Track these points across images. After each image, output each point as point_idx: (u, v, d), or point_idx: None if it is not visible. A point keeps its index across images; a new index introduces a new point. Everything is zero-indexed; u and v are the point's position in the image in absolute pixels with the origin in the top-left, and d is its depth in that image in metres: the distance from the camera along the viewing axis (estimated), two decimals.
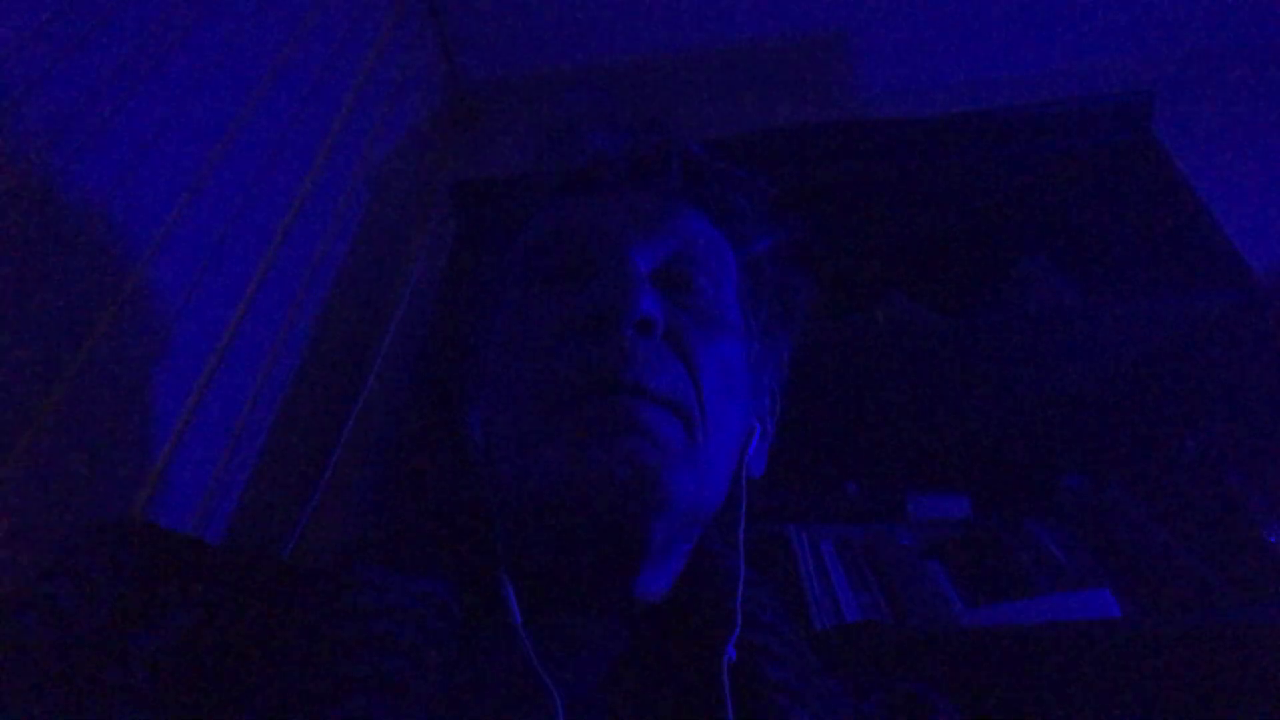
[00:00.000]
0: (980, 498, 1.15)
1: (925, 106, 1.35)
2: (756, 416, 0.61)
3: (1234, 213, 1.09)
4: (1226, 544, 0.91)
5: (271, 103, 1.06)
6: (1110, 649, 0.72)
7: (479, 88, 1.80)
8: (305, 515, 1.01)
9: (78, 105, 0.76)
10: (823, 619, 0.94)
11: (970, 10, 1.61)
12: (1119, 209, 1.22)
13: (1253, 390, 0.99)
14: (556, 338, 0.52)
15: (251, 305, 0.96)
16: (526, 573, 0.50)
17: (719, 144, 0.69)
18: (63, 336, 0.70)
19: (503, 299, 0.60)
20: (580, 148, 0.63)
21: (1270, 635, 0.71)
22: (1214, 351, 1.01)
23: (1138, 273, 1.16)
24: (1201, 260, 1.05)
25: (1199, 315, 0.99)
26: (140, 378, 0.78)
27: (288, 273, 1.06)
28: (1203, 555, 0.91)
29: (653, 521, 0.49)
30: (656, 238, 0.56)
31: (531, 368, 0.52)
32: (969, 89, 1.63)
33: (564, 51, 1.72)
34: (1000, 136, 1.21)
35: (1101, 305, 1.07)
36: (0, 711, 0.37)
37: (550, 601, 0.50)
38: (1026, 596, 0.92)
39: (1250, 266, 1.00)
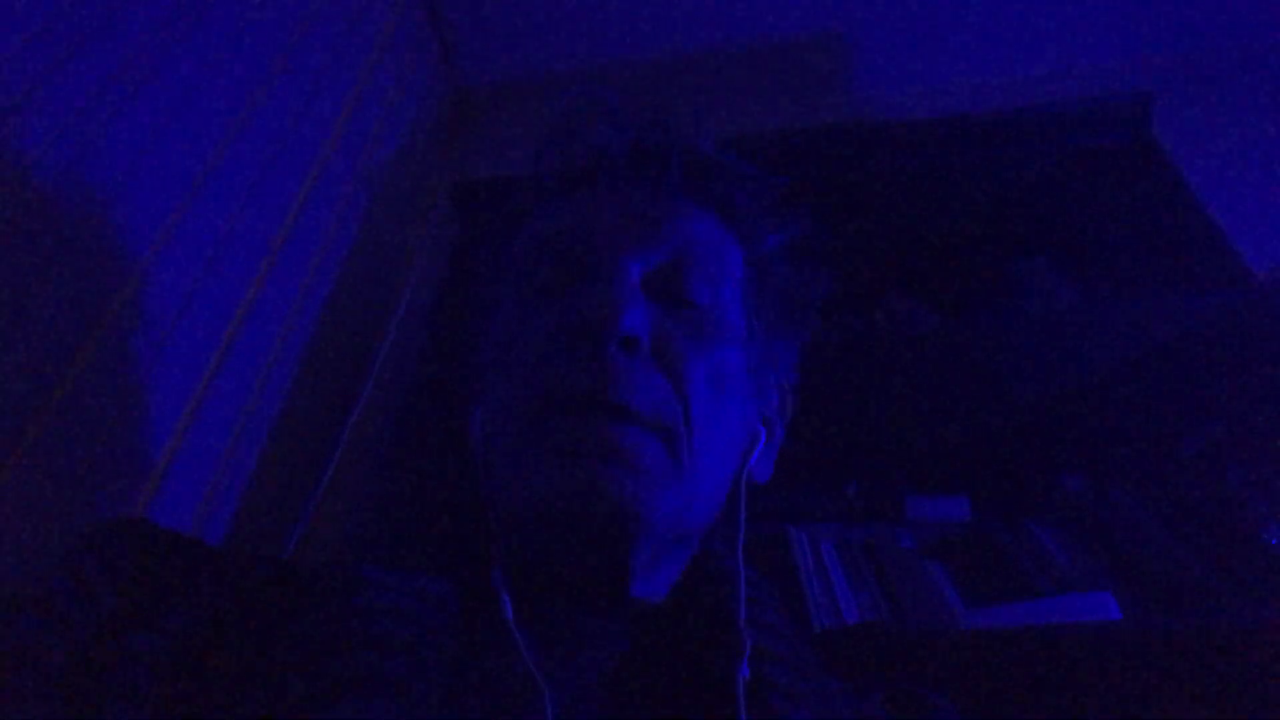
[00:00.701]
0: (980, 499, 1.16)
1: (924, 108, 1.36)
2: (762, 419, 0.60)
3: (1232, 213, 1.09)
4: (1227, 545, 0.91)
5: (271, 104, 1.06)
6: (1110, 651, 0.72)
7: (479, 89, 1.80)
8: (306, 515, 1.01)
9: (79, 106, 0.76)
10: (822, 620, 0.94)
11: (968, 13, 1.61)
12: (1118, 210, 1.22)
13: (1252, 391, 0.99)
14: (543, 351, 0.52)
15: (252, 306, 0.96)
16: (522, 572, 0.50)
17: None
18: (64, 337, 0.70)
19: (500, 303, 0.60)
20: (580, 145, 0.62)
21: (1271, 637, 0.71)
22: (1213, 352, 1.01)
23: (1137, 274, 1.16)
24: (1200, 261, 1.05)
25: (1198, 316, 0.99)
26: (141, 378, 0.78)
27: (288, 273, 1.06)
28: (1203, 556, 0.91)
29: (633, 545, 0.49)
30: (652, 243, 0.56)
31: (519, 380, 0.52)
32: (968, 91, 1.63)
33: (563, 53, 1.72)
34: (999, 138, 1.21)
35: (1101, 306, 1.07)
36: (1, 713, 0.37)
37: (548, 601, 0.50)
38: (1026, 598, 0.92)
39: (1249, 267, 1.00)
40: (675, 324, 0.53)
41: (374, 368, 1.23)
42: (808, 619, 0.93)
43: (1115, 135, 1.19)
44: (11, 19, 0.70)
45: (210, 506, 0.86)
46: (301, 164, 1.12)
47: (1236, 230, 1.05)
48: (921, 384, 1.08)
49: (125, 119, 0.81)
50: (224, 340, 0.91)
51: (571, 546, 0.49)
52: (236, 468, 0.92)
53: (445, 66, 1.75)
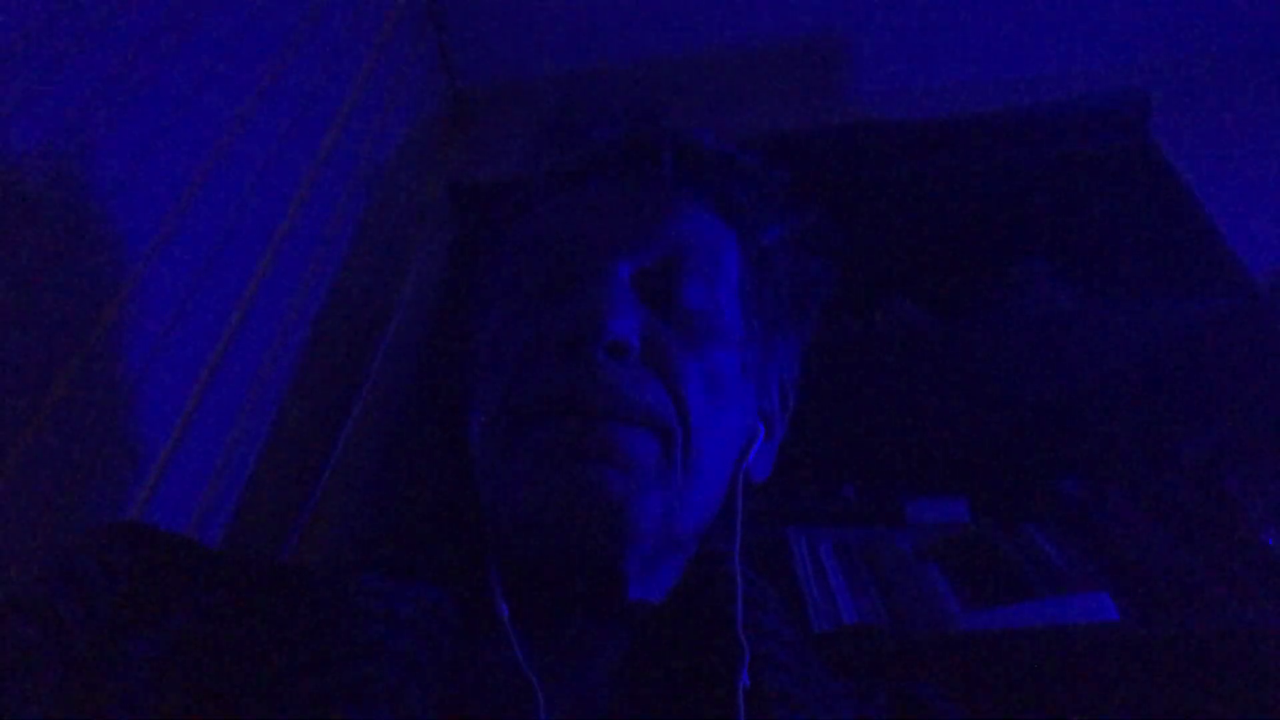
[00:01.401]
0: (978, 501, 1.15)
1: (922, 109, 1.35)
2: (761, 417, 0.59)
3: (1231, 216, 1.09)
4: (1224, 547, 0.91)
5: (270, 105, 1.06)
6: (1108, 653, 0.72)
7: (477, 91, 1.80)
8: (303, 517, 1.01)
9: (76, 108, 0.75)
10: (821, 622, 0.94)
11: (966, 13, 1.61)
12: (1116, 212, 1.22)
13: (1251, 394, 0.99)
14: (531, 355, 0.51)
15: (250, 307, 0.96)
16: (518, 578, 0.50)
17: None
18: (61, 338, 0.70)
19: (493, 305, 0.59)
20: (573, 142, 0.62)
21: (1268, 639, 0.71)
22: (1212, 355, 1.01)
23: (1135, 276, 1.16)
24: (1199, 264, 1.05)
25: (1196, 319, 0.99)
26: (138, 380, 0.78)
27: (286, 275, 1.05)
28: (1201, 559, 0.91)
29: (621, 549, 0.49)
30: (644, 242, 0.55)
31: (506, 385, 0.51)
32: (965, 92, 1.63)
33: (561, 54, 1.72)
34: (997, 139, 1.22)
35: (1099, 308, 1.07)
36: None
37: (544, 606, 0.50)
38: (1024, 600, 0.92)
39: (1248, 270, 1.00)
40: (668, 326, 0.53)
41: (372, 370, 1.23)
42: (806, 621, 0.93)
43: (1114, 137, 1.19)
44: (8, 19, 0.70)
45: (207, 509, 0.86)
46: (299, 165, 1.12)
47: (1235, 233, 1.05)
48: (920, 386, 1.08)
49: (122, 121, 0.81)
50: (221, 342, 0.91)
51: (562, 551, 0.49)
52: (234, 470, 0.92)
53: (443, 68, 1.75)
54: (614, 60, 1.71)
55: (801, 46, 1.68)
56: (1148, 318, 1.00)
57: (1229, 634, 0.72)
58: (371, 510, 0.99)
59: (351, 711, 0.38)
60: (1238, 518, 0.92)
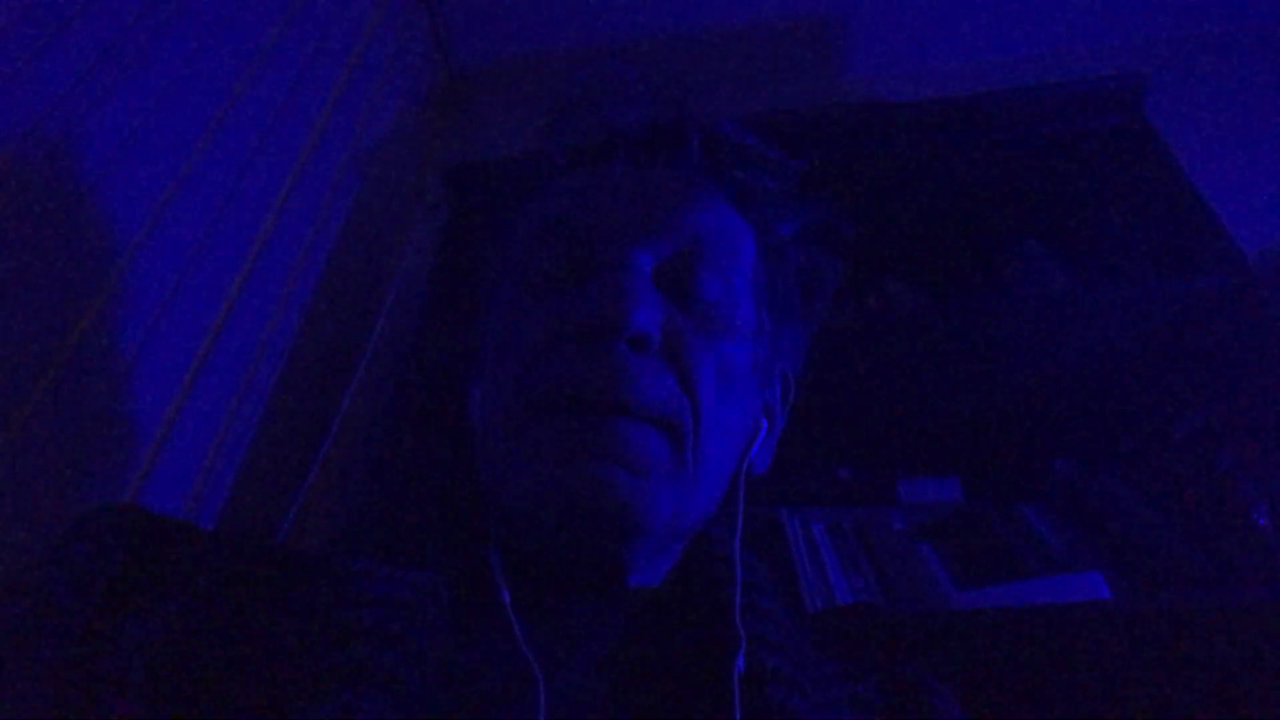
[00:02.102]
0: (971, 481, 1.16)
1: (917, 90, 1.35)
2: (764, 409, 0.59)
3: (1226, 197, 1.09)
4: (1216, 526, 0.92)
5: (260, 86, 1.05)
6: (1100, 631, 0.72)
7: (470, 70, 1.79)
8: (297, 502, 1.01)
9: (63, 91, 0.75)
10: (814, 602, 0.94)
11: None
12: (1111, 193, 1.22)
13: (1243, 374, 0.99)
14: (547, 342, 0.51)
15: (241, 291, 0.96)
16: (517, 558, 0.50)
17: None
18: (52, 325, 0.70)
19: (503, 283, 0.58)
20: (593, 120, 0.60)
21: (1258, 616, 0.72)
22: (1204, 335, 1.01)
23: (1130, 257, 1.16)
24: (1193, 244, 1.05)
25: (1190, 299, 0.99)
26: (130, 366, 0.78)
27: (278, 259, 1.05)
28: (1192, 537, 0.92)
29: (626, 545, 0.48)
30: (664, 233, 0.54)
31: (520, 371, 0.51)
32: (960, 73, 1.63)
33: (555, 32, 1.71)
34: (992, 120, 1.21)
35: (1093, 289, 1.07)
36: None
37: (543, 589, 0.50)
38: (1017, 579, 0.92)
39: (1242, 250, 1.00)
40: (685, 318, 0.52)
41: (366, 352, 1.23)
42: (800, 602, 0.94)
43: (1108, 117, 1.19)
44: None
45: (201, 493, 0.86)
46: (291, 147, 1.12)
47: (1229, 213, 1.05)
48: (914, 367, 1.08)
49: (111, 103, 0.80)
50: (214, 325, 0.90)
51: (570, 543, 0.49)
52: (228, 454, 0.92)
53: (436, 48, 1.74)
54: (608, 39, 1.70)
55: (797, 26, 1.67)
56: (1141, 298, 1.00)
57: (1221, 612, 0.72)
58: (365, 495, 0.99)
59: (347, 694, 0.38)
60: (1229, 497, 0.93)
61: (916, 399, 1.13)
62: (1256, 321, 0.96)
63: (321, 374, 1.14)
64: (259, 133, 1.03)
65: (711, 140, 0.60)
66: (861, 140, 1.22)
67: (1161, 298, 1.00)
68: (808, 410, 0.66)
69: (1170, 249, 1.10)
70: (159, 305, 0.82)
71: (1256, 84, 1.50)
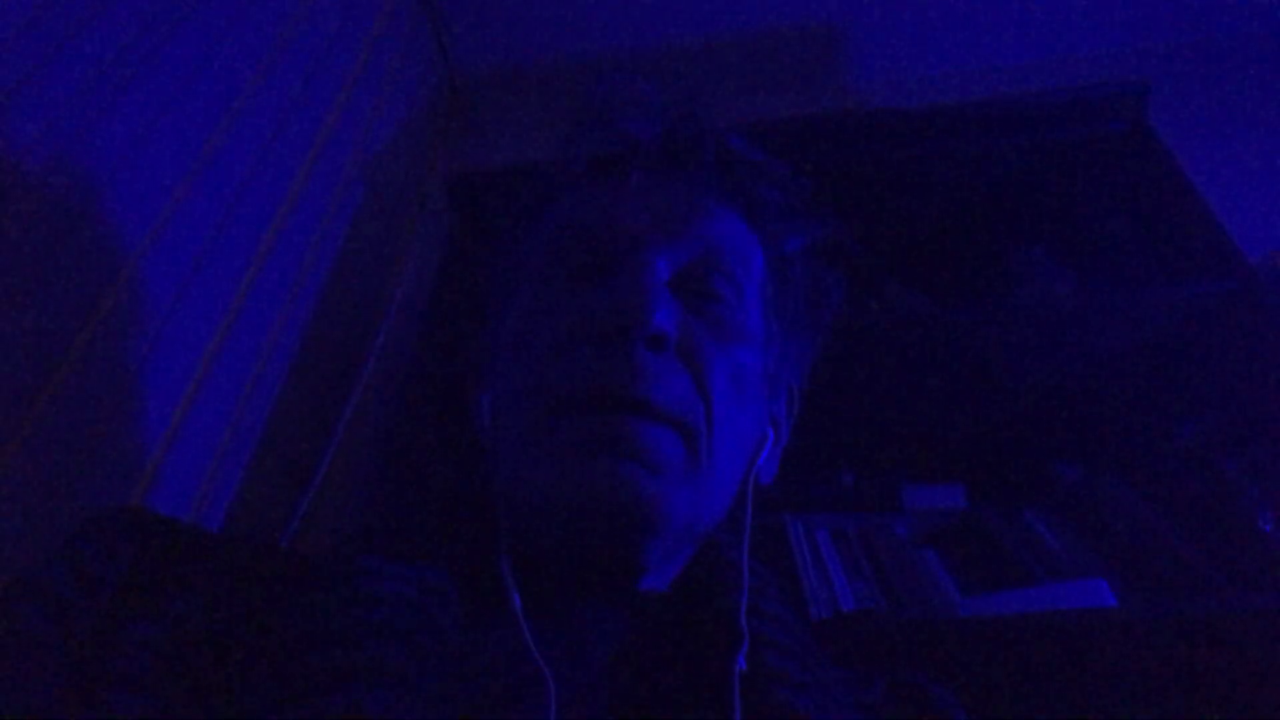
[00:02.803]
0: (975, 487, 1.16)
1: (920, 97, 1.35)
2: (771, 421, 0.60)
3: (1229, 202, 1.09)
4: (1221, 532, 0.91)
5: (265, 95, 1.06)
6: (1105, 638, 0.72)
7: (473, 78, 1.80)
8: (302, 506, 1.01)
9: (70, 98, 0.75)
10: (819, 609, 0.94)
11: (963, 0, 1.61)
12: (1114, 199, 1.22)
13: (1247, 379, 0.99)
14: (567, 343, 0.51)
15: (247, 296, 0.96)
16: (527, 560, 0.50)
17: None
18: (59, 328, 0.70)
19: (521, 286, 0.59)
20: (612, 132, 0.61)
21: (1264, 623, 0.71)
22: (1208, 341, 1.01)
23: (1133, 263, 1.16)
24: (1196, 249, 1.05)
25: (1194, 305, 0.99)
26: (137, 369, 0.78)
27: (283, 263, 1.05)
28: (1197, 544, 0.92)
29: (644, 544, 0.49)
30: (681, 241, 0.55)
31: (539, 370, 0.51)
32: (963, 79, 1.63)
33: (558, 42, 1.71)
34: (995, 127, 1.21)
35: (1097, 295, 1.08)
36: (2, 701, 0.37)
37: (551, 589, 0.50)
38: (1022, 586, 0.92)
39: (1245, 255, 1.00)
40: (699, 323, 0.53)
41: (370, 357, 1.23)
42: (804, 609, 0.94)
43: (1111, 123, 1.19)
44: (3, 7, 0.70)
45: (207, 496, 0.86)
46: (296, 154, 1.12)
47: (1232, 218, 1.05)
48: (917, 373, 1.08)
49: (117, 111, 0.80)
50: (219, 330, 0.91)
51: (585, 542, 0.49)
52: (233, 458, 0.92)
53: (440, 56, 1.74)
54: (612, 49, 1.70)
55: (800, 34, 1.67)
56: (1145, 304, 1.00)
57: (1226, 619, 0.72)
58: (370, 498, 0.99)
59: (356, 690, 0.38)
60: (1234, 503, 0.93)
61: (920, 405, 1.13)
62: (1260, 327, 0.96)
63: (326, 379, 1.14)
64: (263, 141, 1.04)
65: (724, 154, 0.61)
66: (865, 147, 1.23)
67: (1165, 303, 1.00)
68: (812, 416, 0.66)
69: (1173, 254, 1.10)
70: (165, 310, 0.83)
71: (1258, 89, 1.50)
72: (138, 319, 0.79)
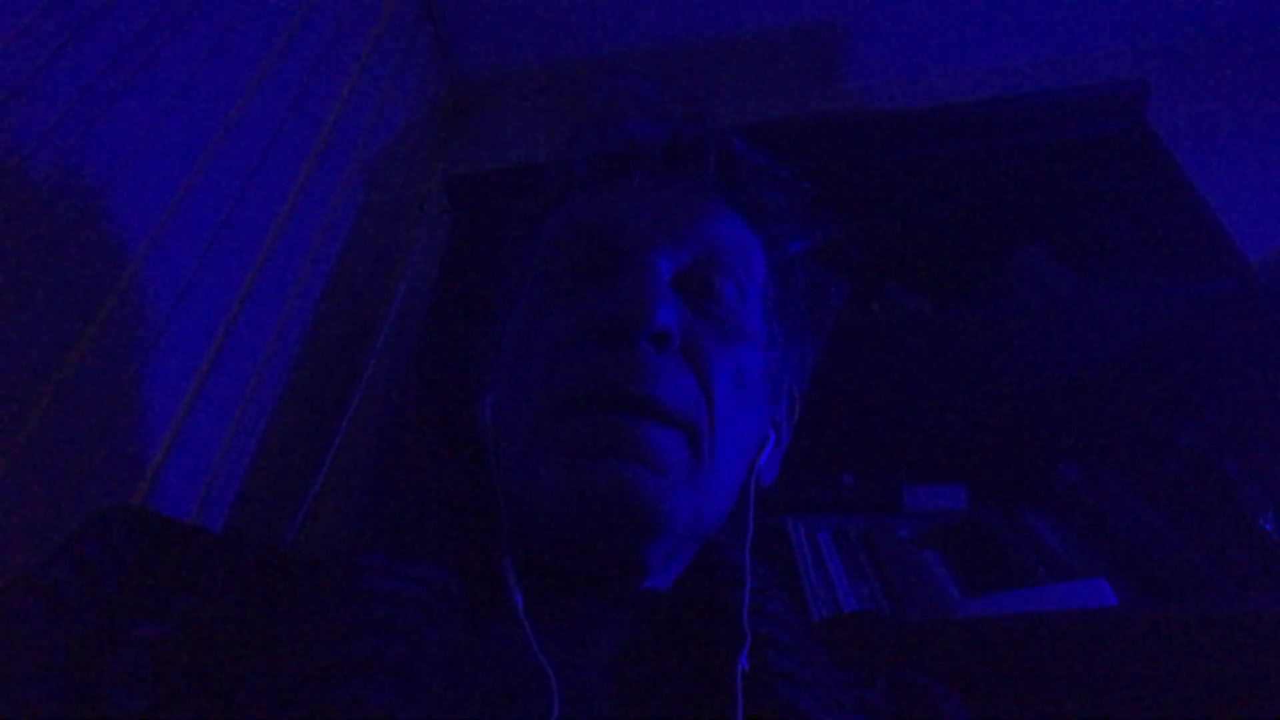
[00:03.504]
0: (976, 488, 1.16)
1: (919, 97, 1.35)
2: (772, 423, 0.60)
3: (1229, 201, 1.09)
4: (1222, 532, 0.91)
5: (266, 96, 1.06)
6: (1106, 638, 0.72)
7: (474, 80, 1.80)
8: (304, 506, 1.01)
9: (71, 101, 0.75)
10: (820, 609, 0.94)
11: (961, 0, 1.61)
12: (1114, 198, 1.22)
13: (1248, 379, 0.99)
14: (571, 341, 0.52)
15: (248, 297, 0.96)
16: (530, 560, 0.50)
17: None
18: (60, 329, 0.70)
19: (523, 286, 0.60)
20: (616, 134, 0.62)
21: (1265, 623, 0.71)
22: (1209, 341, 1.01)
23: (1133, 263, 1.16)
24: (1197, 249, 1.05)
25: (1194, 304, 0.99)
26: (138, 370, 0.78)
27: (284, 264, 1.05)
28: (1198, 544, 0.92)
29: (648, 544, 0.49)
30: (683, 241, 0.55)
31: (543, 369, 0.52)
32: (962, 79, 1.63)
33: (558, 43, 1.72)
34: (994, 126, 1.21)
35: (1097, 295, 1.07)
36: (3, 699, 0.37)
37: (553, 587, 0.50)
38: (1023, 586, 0.92)
39: (1245, 255, 1.00)
40: (702, 323, 0.54)
41: (370, 359, 1.23)
42: (806, 610, 0.94)
43: (1111, 123, 1.19)
44: (4, 10, 0.70)
45: (208, 498, 0.86)
46: (296, 156, 1.12)
47: (1232, 218, 1.05)
48: (918, 374, 1.08)
49: (119, 112, 0.80)
50: (220, 332, 0.91)
51: (589, 542, 0.49)
52: (234, 460, 0.92)
53: (440, 58, 1.74)
54: (611, 49, 1.71)
55: (799, 34, 1.67)
56: (1145, 303, 1.00)
57: (1227, 619, 0.72)
58: (372, 497, 0.99)
59: (358, 684, 0.38)
60: (1235, 503, 0.92)
61: (921, 406, 1.13)
62: (1261, 326, 0.96)
63: (327, 380, 1.15)
64: (264, 143, 1.04)
65: (726, 157, 0.62)
66: (864, 147, 1.22)
67: (1165, 303, 1.00)
68: (813, 417, 0.66)
69: (1173, 254, 1.10)
70: (167, 311, 0.83)
71: (1258, 88, 1.50)
72: (139, 320, 0.79)
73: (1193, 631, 0.71)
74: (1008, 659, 0.73)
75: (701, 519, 0.51)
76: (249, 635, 0.42)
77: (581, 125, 0.65)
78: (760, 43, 1.69)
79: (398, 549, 0.48)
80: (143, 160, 0.82)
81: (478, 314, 0.66)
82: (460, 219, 1.29)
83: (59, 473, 0.68)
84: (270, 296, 1.01)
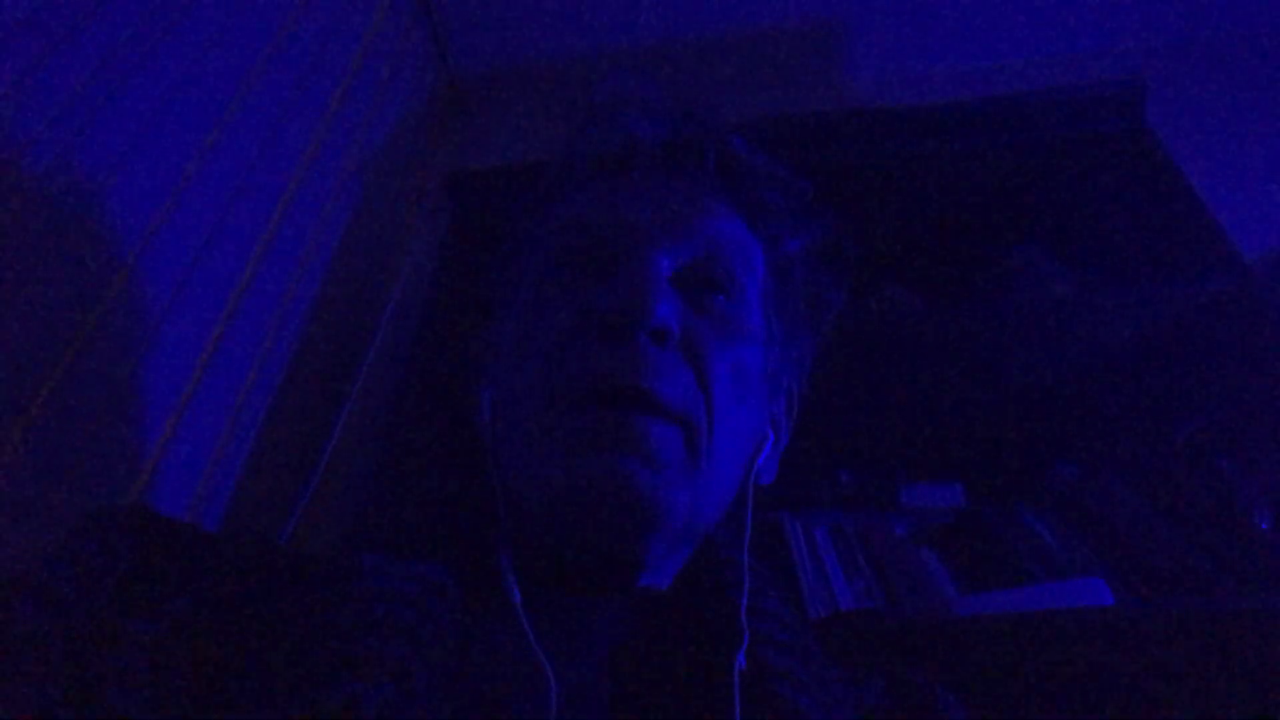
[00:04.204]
0: (973, 485, 1.16)
1: (919, 96, 1.35)
2: (771, 421, 0.60)
3: (1226, 201, 1.09)
4: (1218, 531, 0.91)
5: (262, 93, 1.05)
6: (1103, 636, 0.72)
7: (471, 77, 1.79)
8: (301, 504, 1.01)
9: (68, 95, 0.75)
10: (817, 607, 0.94)
11: None
12: (1112, 197, 1.22)
13: (1244, 377, 0.99)
14: (570, 337, 0.52)
15: (244, 295, 0.96)
16: (528, 556, 0.50)
17: None
18: (56, 327, 0.70)
19: (523, 282, 0.60)
20: (615, 131, 0.62)
21: (1261, 621, 0.71)
22: (1206, 339, 1.01)
23: (1131, 261, 1.16)
24: (1194, 248, 1.05)
25: (1191, 303, 0.99)
26: (133, 368, 0.78)
27: (281, 262, 1.05)
28: (1194, 541, 0.92)
29: (645, 541, 0.49)
30: (683, 238, 0.56)
31: (542, 365, 0.52)
32: (962, 78, 1.63)
33: (556, 40, 1.71)
34: (993, 125, 1.21)
35: (1094, 294, 1.08)
36: (0, 699, 0.37)
37: (552, 585, 0.50)
38: (1019, 584, 0.92)
39: (1242, 254, 1.00)
40: (701, 319, 0.54)
41: (368, 356, 1.23)
42: (802, 607, 0.94)
43: (1109, 122, 1.19)
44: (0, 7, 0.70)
45: (204, 496, 0.86)
46: (293, 153, 1.12)
47: (1229, 217, 1.05)
48: (915, 371, 1.08)
49: (115, 108, 0.80)
50: (216, 329, 0.91)
51: (587, 538, 0.49)
52: (230, 458, 0.92)
53: (437, 55, 1.74)
54: (611, 47, 1.70)
55: (798, 32, 1.67)
56: (1142, 302, 1.00)
57: (1223, 617, 0.72)
58: (369, 496, 0.99)
59: (356, 683, 0.38)
60: (1231, 501, 0.93)
61: (918, 403, 1.13)
62: (1257, 325, 0.96)
63: (324, 377, 1.14)
64: (260, 140, 1.04)
65: (726, 155, 0.62)
66: (863, 145, 1.22)
67: (1162, 302, 1.00)
68: (811, 415, 0.66)
69: (1171, 253, 1.10)
70: (163, 308, 0.82)
71: (1256, 88, 1.50)
72: (136, 317, 0.79)
73: (1189, 630, 0.72)
74: (1004, 657, 0.73)
75: (699, 516, 0.51)
76: (246, 635, 0.42)
77: (581, 123, 0.65)
78: (760, 41, 1.68)
79: (395, 548, 0.48)
80: (139, 157, 0.82)
81: (476, 311, 0.65)
82: (457, 216, 1.29)
83: (56, 470, 0.67)
84: (267, 294, 1.01)
